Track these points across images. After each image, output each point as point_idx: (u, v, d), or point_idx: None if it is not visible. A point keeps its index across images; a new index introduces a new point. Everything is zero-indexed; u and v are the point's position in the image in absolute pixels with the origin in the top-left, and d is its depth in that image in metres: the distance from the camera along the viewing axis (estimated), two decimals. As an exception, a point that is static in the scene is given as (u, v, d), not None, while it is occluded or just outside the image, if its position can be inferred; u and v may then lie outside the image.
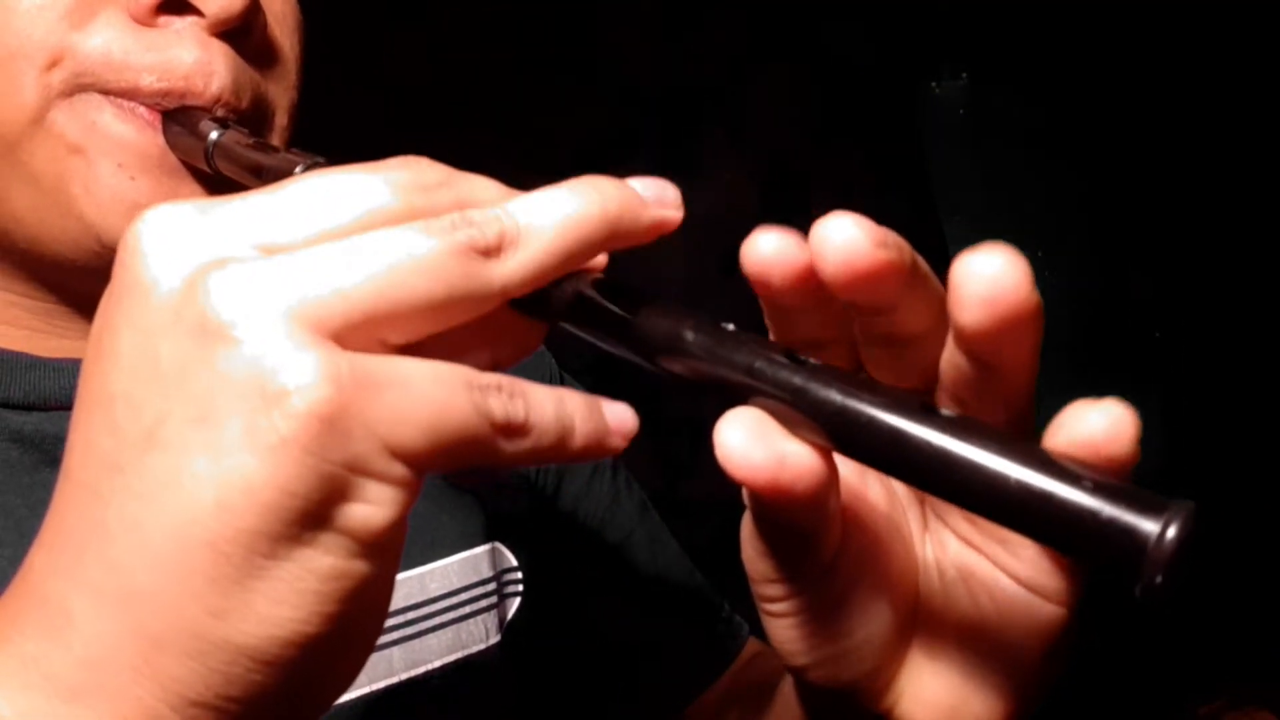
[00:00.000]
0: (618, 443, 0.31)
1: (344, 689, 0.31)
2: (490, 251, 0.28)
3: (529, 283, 0.29)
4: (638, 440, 0.32)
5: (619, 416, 0.32)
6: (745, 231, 0.30)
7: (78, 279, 0.50)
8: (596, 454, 0.31)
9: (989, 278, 0.27)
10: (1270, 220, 2.11)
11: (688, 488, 1.70)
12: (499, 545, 0.63)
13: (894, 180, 2.13)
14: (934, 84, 2.19)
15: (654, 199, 0.32)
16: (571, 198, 0.30)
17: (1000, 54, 2.16)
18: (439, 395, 0.27)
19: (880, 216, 0.29)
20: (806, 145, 2.09)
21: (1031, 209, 2.14)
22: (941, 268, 0.30)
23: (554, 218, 0.29)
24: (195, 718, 0.27)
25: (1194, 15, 2.09)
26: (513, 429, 0.28)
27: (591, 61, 1.95)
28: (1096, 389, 0.30)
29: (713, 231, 2.06)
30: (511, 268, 0.29)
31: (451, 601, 0.59)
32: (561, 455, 0.30)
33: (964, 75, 2.18)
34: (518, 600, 0.63)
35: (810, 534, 0.32)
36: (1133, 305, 2.14)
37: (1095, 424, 0.28)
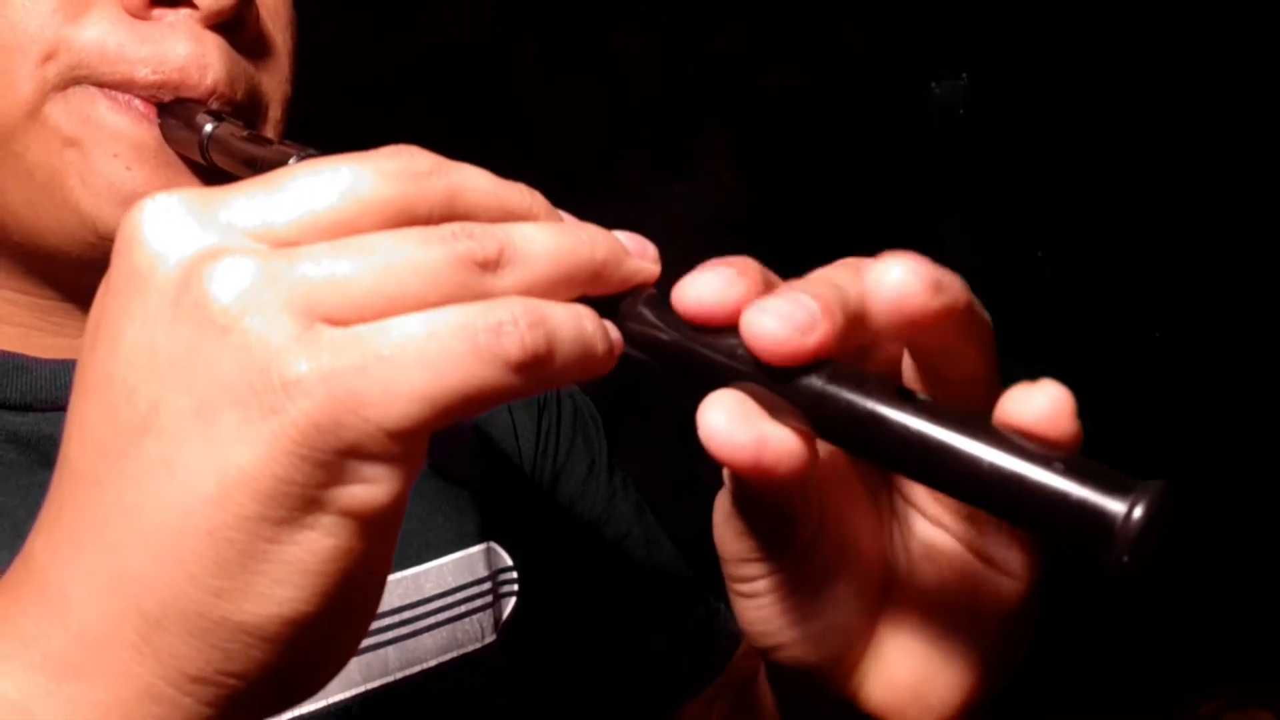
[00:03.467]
0: (609, 363, 0.30)
1: (341, 665, 0.31)
2: (487, 265, 0.28)
3: None
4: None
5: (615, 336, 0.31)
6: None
7: (74, 274, 0.50)
8: (603, 368, 0.30)
9: (893, 287, 0.29)
10: (1271, 221, 2.11)
11: (683, 489, 1.70)
12: (494, 545, 0.63)
13: (894, 180, 2.13)
14: (934, 84, 2.19)
15: (636, 251, 0.33)
16: (566, 235, 0.30)
17: (1000, 54, 2.16)
18: (435, 359, 0.26)
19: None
20: (806, 145, 2.09)
21: (1031, 209, 2.14)
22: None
23: (549, 249, 0.30)
24: (194, 693, 0.28)
25: (1194, 15, 2.09)
26: (537, 362, 0.27)
27: (592, 61, 1.95)
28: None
29: (712, 231, 2.05)
30: (505, 285, 0.29)
31: (447, 601, 0.59)
32: (585, 373, 0.29)
33: (964, 75, 2.18)
34: (513, 600, 0.63)
35: (788, 515, 0.32)
36: (1133, 305, 2.14)
37: (1039, 405, 0.28)
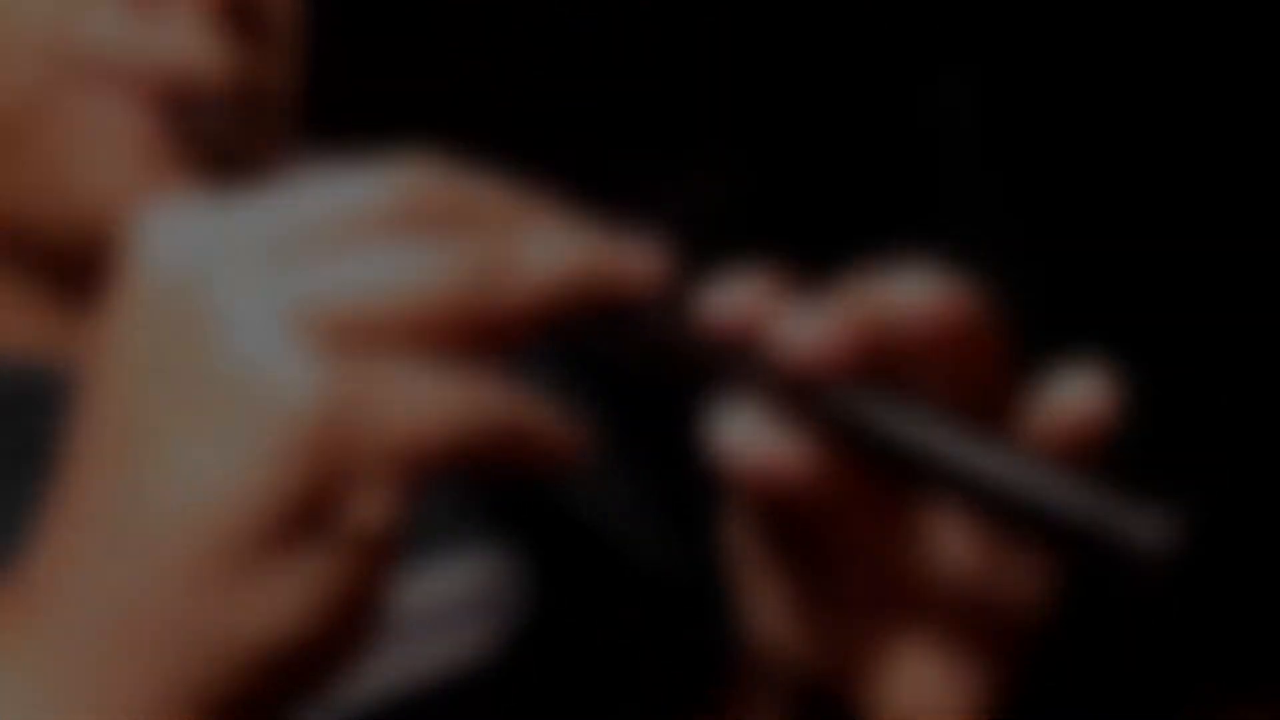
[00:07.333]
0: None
1: (338, 686, 0.31)
2: (497, 280, 0.28)
3: (527, 318, 0.30)
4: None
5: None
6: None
7: (72, 273, 0.49)
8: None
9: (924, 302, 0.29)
10: (1272, 222, 2.11)
11: (691, 490, 1.70)
12: (498, 548, 0.63)
13: (894, 181, 2.13)
14: (934, 84, 2.18)
15: (647, 258, 0.32)
16: (576, 246, 0.30)
17: (1001, 54, 2.16)
18: (440, 395, 0.27)
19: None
20: (806, 146, 2.09)
21: (1032, 209, 2.14)
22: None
23: (559, 262, 0.29)
24: (193, 716, 0.27)
25: (1195, 16, 2.09)
26: (517, 429, 0.28)
27: (591, 61, 1.95)
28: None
29: (713, 232, 2.05)
30: (513, 303, 0.29)
31: (450, 605, 0.59)
32: (540, 455, 0.30)
33: (964, 75, 2.18)
34: (515, 604, 0.63)
35: (799, 526, 0.32)
36: (1133, 305, 2.14)
37: (1077, 393, 0.29)
